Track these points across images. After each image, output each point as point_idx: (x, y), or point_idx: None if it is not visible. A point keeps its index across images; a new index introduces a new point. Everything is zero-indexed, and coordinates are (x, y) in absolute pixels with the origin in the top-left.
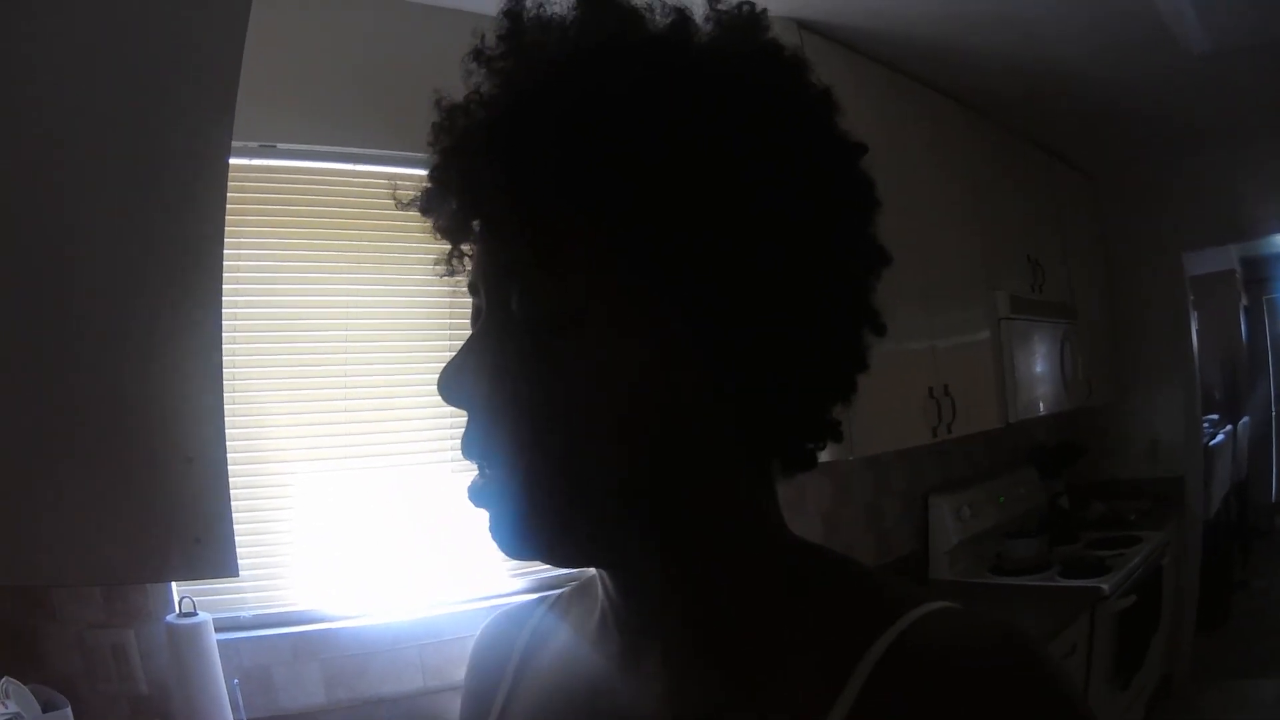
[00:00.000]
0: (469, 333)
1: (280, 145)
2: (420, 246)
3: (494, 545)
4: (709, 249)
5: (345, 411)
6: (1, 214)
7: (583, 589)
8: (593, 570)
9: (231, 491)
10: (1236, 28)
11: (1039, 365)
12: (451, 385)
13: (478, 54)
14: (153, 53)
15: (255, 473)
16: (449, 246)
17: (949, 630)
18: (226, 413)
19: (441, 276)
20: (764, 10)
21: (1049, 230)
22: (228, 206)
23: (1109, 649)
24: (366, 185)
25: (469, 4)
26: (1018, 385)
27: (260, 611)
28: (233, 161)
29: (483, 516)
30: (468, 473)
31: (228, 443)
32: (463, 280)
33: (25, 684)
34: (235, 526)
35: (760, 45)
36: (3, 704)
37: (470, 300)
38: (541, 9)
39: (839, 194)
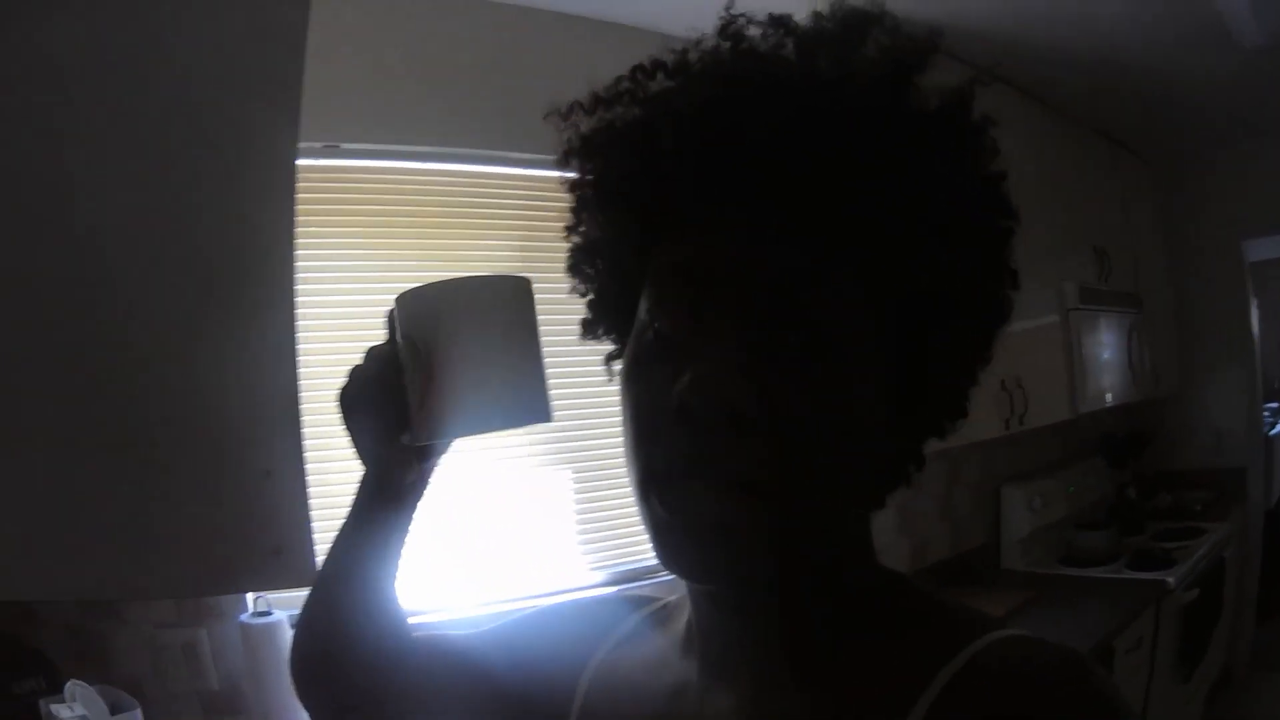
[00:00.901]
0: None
1: (345, 145)
2: (489, 244)
3: (674, 560)
4: (940, 298)
5: None
6: (75, 227)
7: (680, 603)
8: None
9: (310, 498)
10: None
11: (1107, 355)
12: (715, 397)
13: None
14: (215, 57)
15: (331, 470)
16: (579, 244)
17: (1015, 655)
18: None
19: (573, 284)
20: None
21: (1114, 220)
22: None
23: (1172, 642)
24: (434, 183)
25: (536, 0)
26: (1086, 375)
27: None
28: (300, 162)
29: (673, 523)
30: (549, 469)
31: (305, 443)
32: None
33: (92, 685)
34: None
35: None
36: (69, 707)
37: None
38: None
39: (1006, 276)
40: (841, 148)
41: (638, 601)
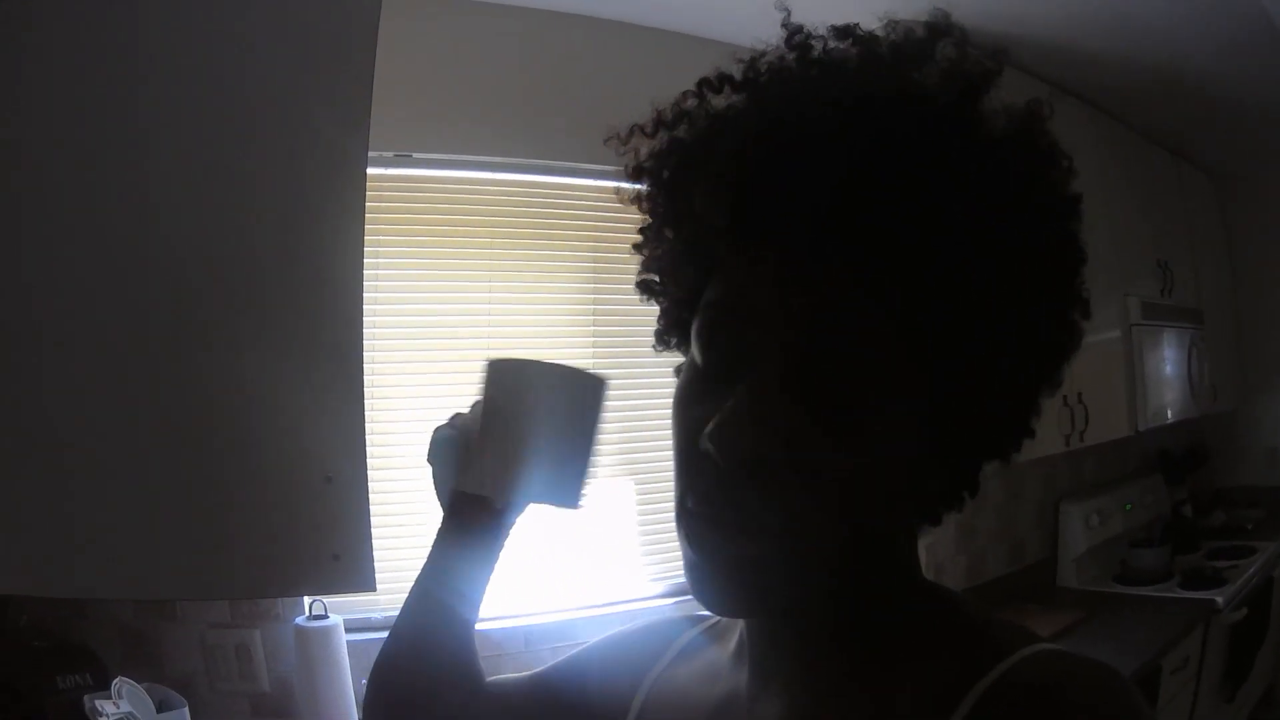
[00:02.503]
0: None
1: (416, 155)
2: (561, 253)
3: (702, 598)
4: (988, 344)
5: None
6: (149, 236)
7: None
8: None
9: (371, 503)
10: None
11: (1168, 371)
12: (737, 442)
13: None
14: (286, 68)
15: (394, 476)
16: (646, 261)
17: (1049, 669)
18: (366, 420)
19: (642, 299)
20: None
21: (1177, 233)
22: (365, 217)
23: (1219, 662)
24: (504, 193)
25: (603, 10)
26: (1147, 392)
27: (393, 613)
28: (369, 171)
29: (699, 559)
30: (613, 480)
31: (368, 449)
32: (606, 297)
33: (141, 683)
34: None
35: (1048, 146)
36: (114, 703)
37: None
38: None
39: (1073, 305)
40: (903, 181)
41: (695, 618)
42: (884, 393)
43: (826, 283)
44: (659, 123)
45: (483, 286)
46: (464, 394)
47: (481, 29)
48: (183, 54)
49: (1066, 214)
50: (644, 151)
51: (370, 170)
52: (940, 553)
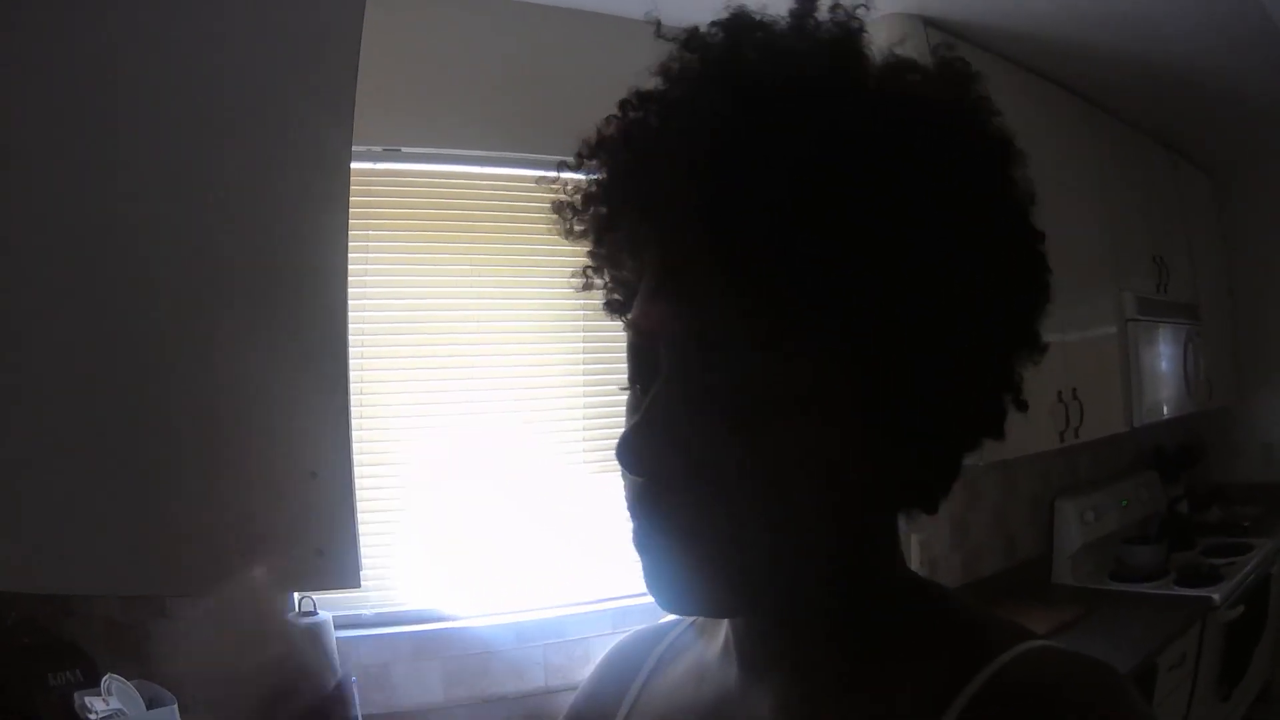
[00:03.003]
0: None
1: (405, 149)
2: (550, 249)
3: (652, 595)
4: (920, 324)
5: (473, 414)
6: (127, 228)
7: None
8: None
9: (357, 497)
10: None
11: (1163, 367)
12: (639, 456)
13: (667, 67)
14: (268, 61)
15: (382, 474)
16: (586, 252)
17: (1044, 666)
18: (354, 415)
19: (578, 290)
20: (978, 72)
21: (1173, 229)
22: (353, 212)
23: (1215, 660)
24: (493, 188)
25: (592, 4)
26: (1143, 388)
27: (382, 610)
28: (357, 166)
29: (644, 564)
30: (600, 475)
31: (354, 445)
32: (596, 292)
33: (130, 680)
34: (360, 529)
35: (977, 107)
36: (104, 700)
37: (607, 315)
38: (758, 31)
39: (1023, 258)
40: (784, 148)
41: (668, 625)
42: (797, 394)
43: (712, 290)
44: (580, 157)
45: (472, 281)
46: (452, 389)
47: (470, 23)
48: (161, 47)
49: (994, 158)
50: (572, 185)
51: (359, 165)
52: (935, 549)
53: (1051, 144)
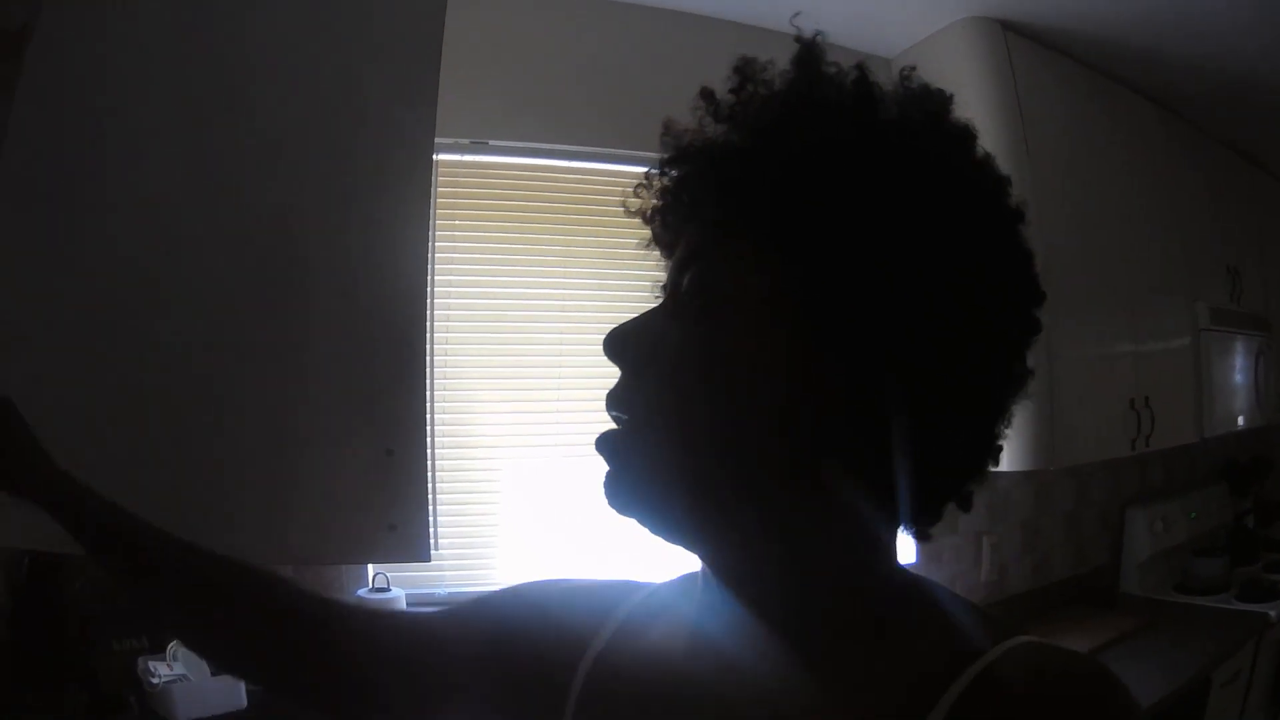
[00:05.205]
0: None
1: (491, 142)
2: (631, 239)
3: (603, 498)
4: (876, 302)
5: (556, 401)
6: (215, 221)
7: (686, 585)
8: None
9: (438, 474)
10: None
11: (1235, 378)
12: (615, 343)
13: (708, 96)
14: (353, 56)
15: (463, 456)
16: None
17: (1033, 662)
18: (438, 400)
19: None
20: (951, 96)
21: (1246, 239)
22: (440, 202)
23: (1268, 677)
24: (578, 180)
25: (675, 3)
26: (1215, 398)
27: (456, 589)
28: (445, 158)
29: (606, 470)
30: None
31: (438, 428)
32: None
33: None
34: (439, 508)
35: (947, 127)
36: (169, 666)
37: None
38: (767, 67)
39: (1003, 270)
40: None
41: (634, 585)
42: (756, 329)
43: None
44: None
45: (557, 271)
46: (534, 377)
47: (556, 20)
48: (250, 40)
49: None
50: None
51: (446, 157)
52: (1005, 553)
53: (1126, 150)
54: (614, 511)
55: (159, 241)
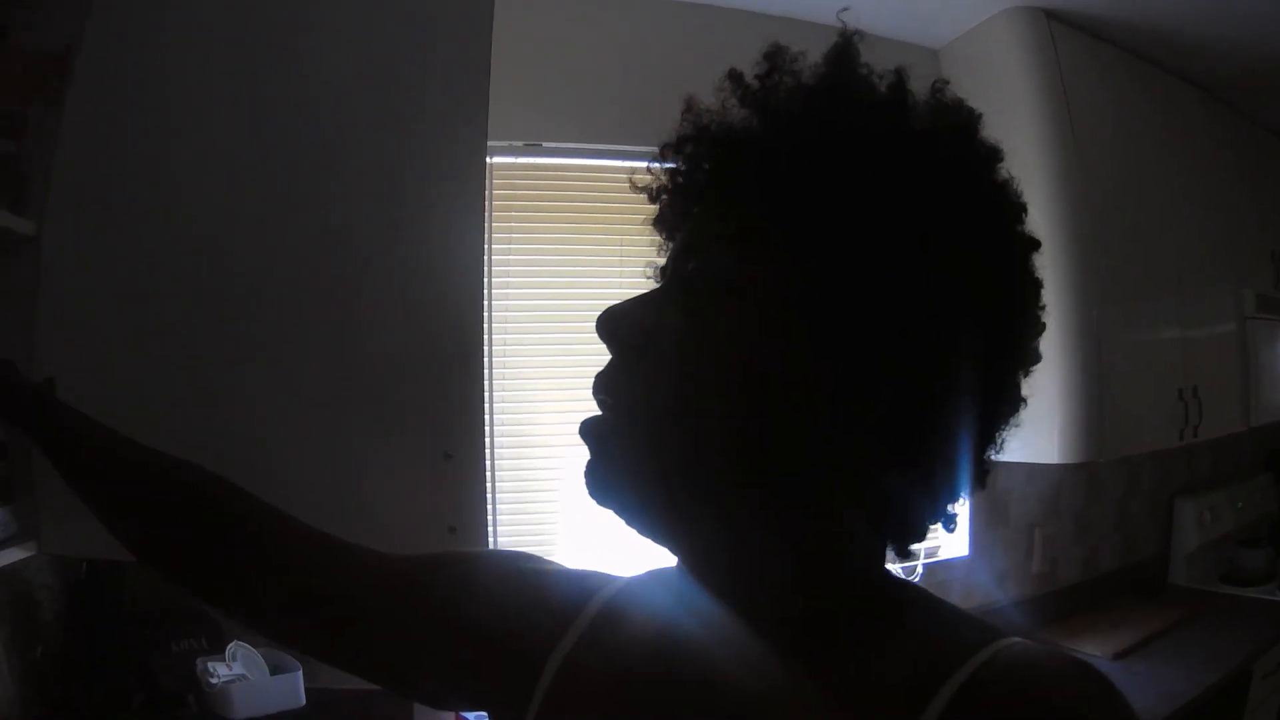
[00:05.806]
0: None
1: (545, 144)
2: None
3: (584, 485)
4: (876, 307)
5: None
6: (291, 227)
7: (660, 580)
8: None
9: (498, 474)
10: None
11: None
12: (608, 324)
13: (735, 78)
14: (403, 61)
15: (522, 456)
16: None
17: (1023, 663)
18: (497, 400)
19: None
20: (980, 115)
21: None
22: (495, 205)
23: None
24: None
25: (729, 1)
26: (1261, 387)
27: None
28: (499, 160)
29: (587, 458)
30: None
31: (497, 429)
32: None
33: (257, 648)
34: (499, 507)
35: (973, 143)
36: (227, 666)
37: None
38: (798, 58)
39: (1009, 296)
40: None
41: (613, 578)
42: (754, 318)
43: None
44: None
45: (613, 270)
46: (592, 375)
47: (608, 20)
48: (316, 49)
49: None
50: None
51: (500, 159)
52: (1058, 545)
53: (1170, 136)
54: (593, 502)
55: (221, 248)
